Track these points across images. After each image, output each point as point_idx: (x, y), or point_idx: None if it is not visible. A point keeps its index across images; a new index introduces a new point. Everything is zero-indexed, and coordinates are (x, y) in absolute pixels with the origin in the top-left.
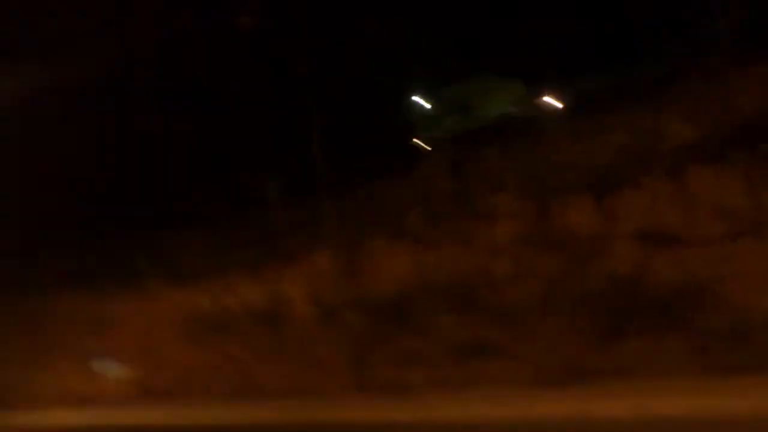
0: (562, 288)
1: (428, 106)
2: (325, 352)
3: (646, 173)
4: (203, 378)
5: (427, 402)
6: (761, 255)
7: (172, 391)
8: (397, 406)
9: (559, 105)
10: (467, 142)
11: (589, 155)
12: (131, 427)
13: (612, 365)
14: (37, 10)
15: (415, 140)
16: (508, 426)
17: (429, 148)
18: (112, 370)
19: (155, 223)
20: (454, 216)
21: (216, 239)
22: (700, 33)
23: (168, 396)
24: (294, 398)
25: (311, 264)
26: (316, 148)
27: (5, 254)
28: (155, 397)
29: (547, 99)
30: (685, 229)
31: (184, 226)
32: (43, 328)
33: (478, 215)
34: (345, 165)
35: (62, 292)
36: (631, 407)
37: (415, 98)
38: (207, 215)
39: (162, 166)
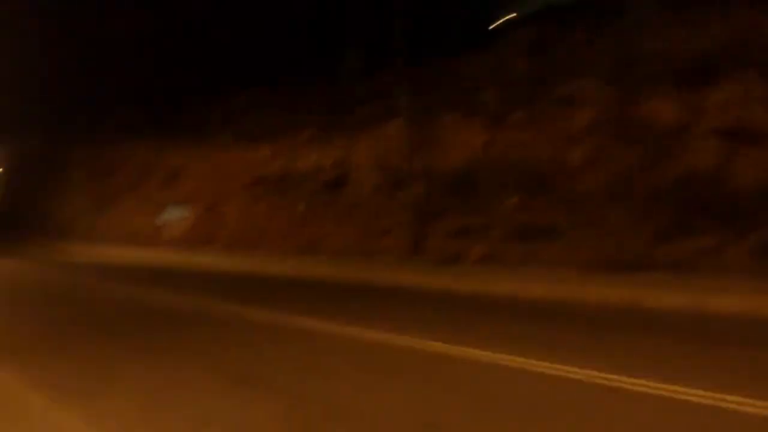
0: (634, 179)
1: None
2: (388, 218)
3: (738, 69)
4: (266, 233)
5: (482, 275)
6: None
7: (235, 243)
8: (454, 275)
9: None
10: (551, 22)
11: (679, 46)
12: (194, 267)
13: (672, 259)
14: None
15: (497, 17)
16: (559, 305)
17: (510, 26)
18: (179, 218)
19: (230, 82)
20: (531, 98)
21: (289, 101)
22: None
23: (230, 247)
24: (354, 258)
25: (381, 133)
26: (396, 19)
27: (87, 107)
28: (218, 246)
29: None
30: None
31: (260, 85)
32: (118, 176)
33: (556, 99)
34: (423, 37)
35: (136, 144)
36: (685, 301)
37: None
38: (282, 77)
39: (242, 28)
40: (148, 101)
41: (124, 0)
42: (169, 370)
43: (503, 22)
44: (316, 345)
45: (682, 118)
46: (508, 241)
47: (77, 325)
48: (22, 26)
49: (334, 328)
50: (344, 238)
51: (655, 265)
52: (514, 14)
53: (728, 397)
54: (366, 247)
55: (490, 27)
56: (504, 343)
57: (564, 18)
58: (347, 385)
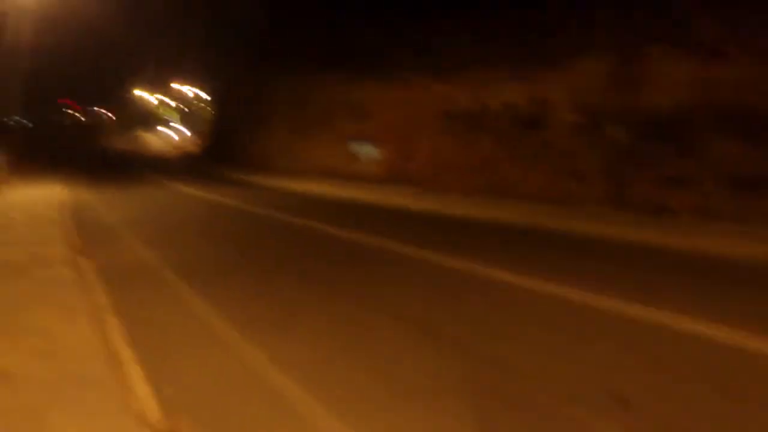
0: None
1: None
2: (584, 162)
3: None
4: (454, 171)
5: (688, 230)
6: None
7: (423, 180)
8: (659, 229)
9: None
10: None
11: None
12: (382, 205)
13: None
14: None
15: None
16: None
17: None
18: (367, 153)
19: (419, 15)
20: (755, 25)
21: (482, 35)
22: None
23: (418, 184)
24: (545, 204)
25: (580, 69)
26: None
27: (290, 39)
28: (405, 183)
29: None
30: None
31: (450, 18)
32: (308, 108)
33: None
34: None
35: (327, 76)
36: None
37: None
38: (474, 7)
39: None
40: (341, 33)
41: None
42: (351, 314)
43: None
44: (506, 299)
45: None
46: (721, 194)
47: (263, 260)
48: None
49: (527, 282)
50: (536, 182)
51: None
52: None
53: None
54: (559, 192)
55: None
56: (728, 315)
57: None
58: (537, 348)
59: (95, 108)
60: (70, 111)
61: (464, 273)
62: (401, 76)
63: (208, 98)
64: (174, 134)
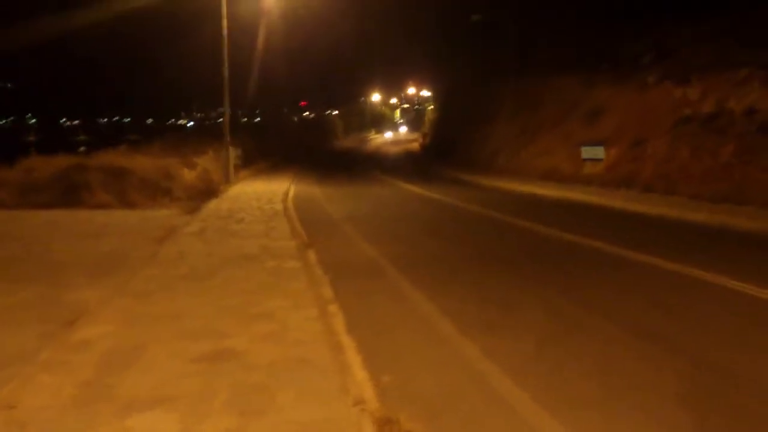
0: None
1: None
2: None
3: None
4: (688, 177)
5: None
6: None
7: (655, 184)
8: None
9: None
10: None
11: None
12: (606, 207)
13: None
14: None
15: None
16: None
17: None
18: (596, 155)
19: (658, 15)
20: None
21: (723, 36)
22: None
23: (649, 189)
24: None
25: None
26: None
27: (519, 39)
28: (637, 188)
29: None
30: None
31: (691, 19)
32: (542, 110)
33: None
34: None
35: (563, 78)
36: None
37: None
38: (717, 6)
39: None
40: (578, 35)
41: None
42: (567, 315)
43: None
44: (732, 308)
45: None
46: None
47: (481, 258)
48: None
49: (755, 291)
50: None
51: None
52: None
53: None
54: None
55: None
56: None
57: None
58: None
59: (327, 110)
60: (306, 113)
61: (690, 279)
62: (641, 77)
63: (434, 98)
64: (400, 134)
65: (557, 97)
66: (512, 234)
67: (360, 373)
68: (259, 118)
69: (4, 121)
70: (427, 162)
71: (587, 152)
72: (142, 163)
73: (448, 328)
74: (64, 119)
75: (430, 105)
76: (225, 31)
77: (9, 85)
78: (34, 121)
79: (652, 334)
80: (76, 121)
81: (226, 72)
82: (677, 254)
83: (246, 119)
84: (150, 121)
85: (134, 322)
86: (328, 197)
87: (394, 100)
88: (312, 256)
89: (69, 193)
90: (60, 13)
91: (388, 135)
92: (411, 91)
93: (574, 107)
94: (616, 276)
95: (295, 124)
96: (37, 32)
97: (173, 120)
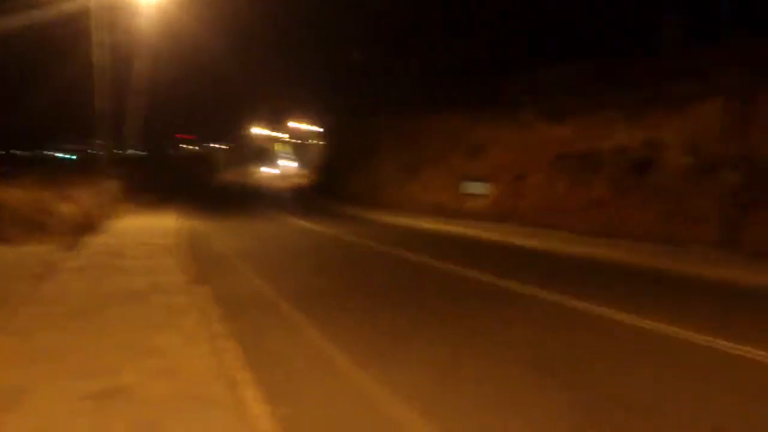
0: None
1: None
2: (697, 205)
3: None
4: (564, 211)
5: None
6: None
7: (532, 219)
8: None
9: None
10: None
11: None
12: (488, 241)
13: None
14: None
15: None
16: None
17: None
18: (477, 190)
19: (533, 58)
20: None
21: (596, 77)
22: None
23: (528, 224)
24: (656, 245)
25: (695, 113)
26: None
27: (399, 78)
28: (515, 221)
29: None
30: None
31: (564, 61)
32: (424, 146)
33: None
34: (751, 5)
35: (444, 116)
36: None
37: None
38: (589, 51)
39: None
40: (459, 74)
41: None
42: (460, 345)
43: None
44: (616, 336)
45: None
46: None
47: (371, 290)
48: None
49: (636, 320)
50: (646, 224)
51: None
52: None
53: None
54: (670, 234)
55: None
56: None
57: None
58: (649, 384)
59: (211, 143)
60: (185, 145)
61: (573, 310)
62: (519, 116)
63: (321, 133)
64: (285, 168)
65: (438, 132)
66: (396, 266)
67: (258, 407)
68: (138, 151)
69: None
70: (315, 197)
71: (468, 187)
72: (15, 196)
73: (345, 361)
74: None
75: (316, 139)
76: (98, 60)
77: None
78: None
79: (533, 359)
80: None
81: (101, 103)
82: (549, 283)
83: (127, 152)
84: (20, 152)
85: (17, 362)
86: (216, 232)
87: (280, 135)
88: (202, 291)
89: None
90: None
91: (274, 169)
92: (298, 125)
93: (456, 143)
94: (507, 308)
95: (179, 158)
96: None
97: (46, 152)
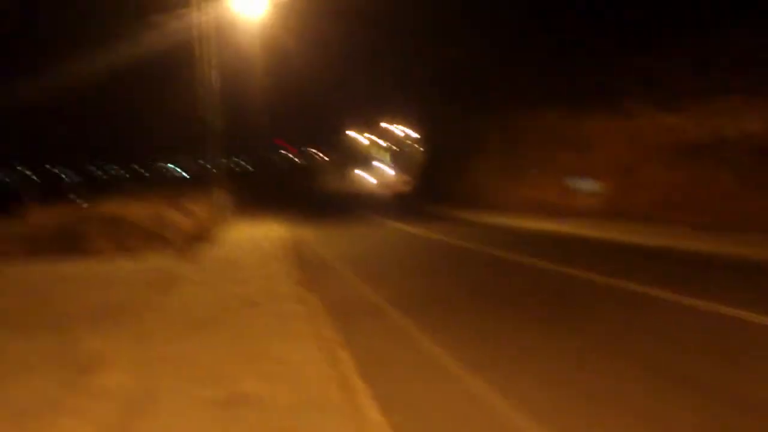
0: None
1: None
2: None
3: None
4: (683, 205)
5: None
6: None
7: (648, 214)
8: None
9: None
10: None
11: None
12: (600, 240)
13: None
14: None
15: None
16: None
17: None
18: (586, 186)
19: (644, 44)
20: None
21: (712, 58)
22: None
23: (643, 219)
24: None
25: None
26: None
27: (504, 75)
28: (630, 219)
29: None
30: None
31: (675, 44)
32: (524, 143)
33: None
34: None
35: (542, 110)
36: None
37: None
38: (702, 30)
39: None
40: (562, 67)
41: None
42: (574, 350)
43: None
44: (758, 341)
45: None
46: None
47: (480, 295)
48: None
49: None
50: None
51: None
52: None
53: None
54: None
55: None
56: None
57: None
58: None
59: (309, 149)
60: (284, 152)
61: (707, 313)
62: (625, 107)
63: (418, 137)
64: (385, 173)
65: (544, 129)
66: (505, 269)
67: (374, 414)
68: (243, 162)
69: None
70: (417, 200)
71: (576, 184)
72: (138, 210)
73: (458, 368)
74: (49, 166)
75: (416, 144)
76: (213, 79)
77: None
78: (28, 173)
79: (668, 371)
80: (67, 170)
81: (216, 121)
82: (687, 287)
83: (233, 165)
84: (141, 169)
85: (147, 370)
86: (320, 239)
87: (381, 141)
88: (313, 298)
89: (69, 243)
90: (45, 72)
91: (373, 174)
92: (398, 130)
93: (562, 139)
94: (627, 312)
95: (283, 168)
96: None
97: (163, 168)
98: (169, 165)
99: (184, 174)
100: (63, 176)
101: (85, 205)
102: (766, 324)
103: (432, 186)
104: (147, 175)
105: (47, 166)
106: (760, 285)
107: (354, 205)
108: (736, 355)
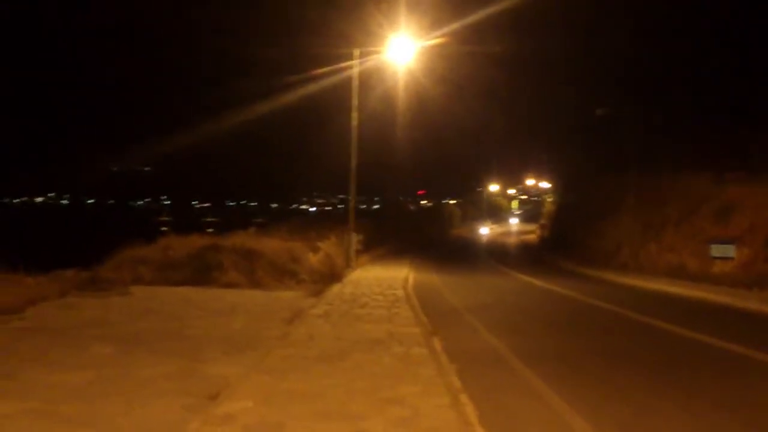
0: None
1: None
2: None
3: None
4: None
5: None
6: None
7: None
8: None
9: None
10: None
11: None
12: (740, 309)
13: None
14: None
15: None
16: None
17: None
18: (726, 253)
19: None
20: None
21: None
22: None
23: None
24: None
25: None
26: None
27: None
28: (762, 286)
29: None
30: None
31: None
32: (668, 205)
33: None
34: None
35: (687, 172)
36: None
37: None
38: None
39: None
40: (706, 129)
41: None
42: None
43: None
44: None
45: None
46: None
47: (608, 355)
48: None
49: None
50: None
51: None
52: None
53: None
54: None
55: None
56: None
57: None
58: None
59: (444, 199)
60: (421, 200)
61: None
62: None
63: (553, 190)
64: (516, 225)
65: (684, 192)
66: (639, 332)
67: None
68: (377, 206)
69: (141, 203)
70: (545, 254)
71: (717, 250)
72: (270, 245)
73: (579, 424)
74: (195, 201)
75: (548, 197)
76: (355, 122)
77: (146, 168)
78: (168, 203)
79: None
80: (207, 204)
81: (354, 162)
82: None
83: (365, 206)
84: (275, 205)
85: (272, 399)
86: (447, 285)
87: (511, 191)
88: (437, 343)
89: (202, 272)
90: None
91: (506, 225)
92: (529, 182)
93: (703, 203)
94: (761, 384)
95: (412, 212)
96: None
97: (296, 205)
98: (304, 206)
99: (312, 211)
100: (202, 208)
101: (217, 236)
102: None
103: (565, 241)
104: (284, 212)
105: (194, 202)
106: None
107: (485, 255)
108: None
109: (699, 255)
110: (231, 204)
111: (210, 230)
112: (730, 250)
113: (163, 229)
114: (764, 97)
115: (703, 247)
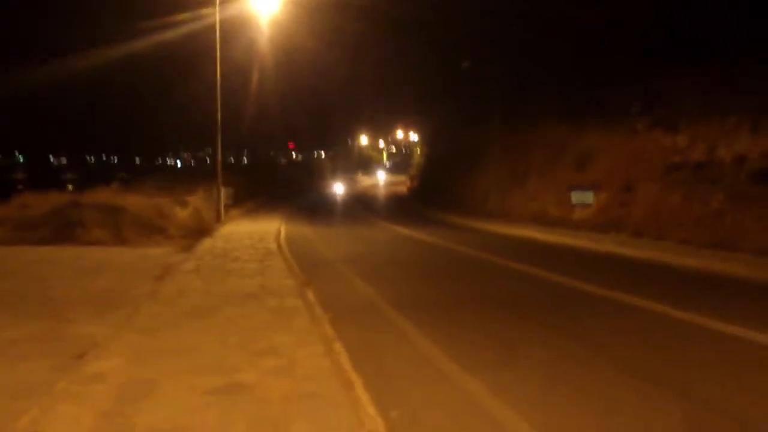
0: None
1: None
2: None
3: None
4: (676, 223)
5: None
6: None
7: (641, 229)
8: None
9: None
10: None
11: None
12: (596, 252)
13: None
14: None
15: None
16: None
17: None
18: (585, 200)
19: (647, 63)
20: None
21: (715, 83)
22: None
23: (636, 233)
24: None
25: None
26: None
27: (506, 84)
28: (624, 231)
29: None
30: None
31: (679, 67)
32: (530, 155)
33: None
34: None
35: (551, 124)
36: None
37: None
38: (708, 54)
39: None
40: (566, 81)
41: None
42: (569, 358)
43: None
44: (734, 352)
45: None
46: None
47: (478, 299)
48: None
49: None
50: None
51: None
52: None
53: None
54: None
55: None
56: None
57: None
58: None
59: (313, 151)
60: (291, 153)
61: (689, 325)
62: (629, 125)
63: (422, 142)
64: (386, 177)
65: (546, 141)
66: (505, 277)
67: (371, 408)
68: (246, 160)
69: None
70: (415, 204)
71: (576, 197)
72: (135, 201)
73: (451, 366)
74: (51, 157)
75: (417, 148)
76: (218, 76)
77: None
78: (22, 158)
79: (654, 377)
80: (63, 159)
81: (218, 115)
82: (671, 299)
83: (234, 160)
84: (138, 160)
85: (143, 357)
86: (320, 237)
87: (381, 144)
88: (310, 294)
89: (63, 230)
90: (54, 61)
91: (376, 177)
92: (399, 134)
93: (563, 152)
94: (618, 320)
95: (283, 166)
96: (29, 80)
97: (161, 160)
98: (170, 161)
99: (180, 166)
100: (60, 165)
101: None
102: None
103: (434, 191)
104: (149, 167)
105: (49, 155)
106: (732, 297)
107: (356, 207)
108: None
109: (560, 202)
110: (91, 159)
111: (70, 187)
112: (588, 197)
113: (19, 187)
114: (625, 55)
115: (564, 194)
